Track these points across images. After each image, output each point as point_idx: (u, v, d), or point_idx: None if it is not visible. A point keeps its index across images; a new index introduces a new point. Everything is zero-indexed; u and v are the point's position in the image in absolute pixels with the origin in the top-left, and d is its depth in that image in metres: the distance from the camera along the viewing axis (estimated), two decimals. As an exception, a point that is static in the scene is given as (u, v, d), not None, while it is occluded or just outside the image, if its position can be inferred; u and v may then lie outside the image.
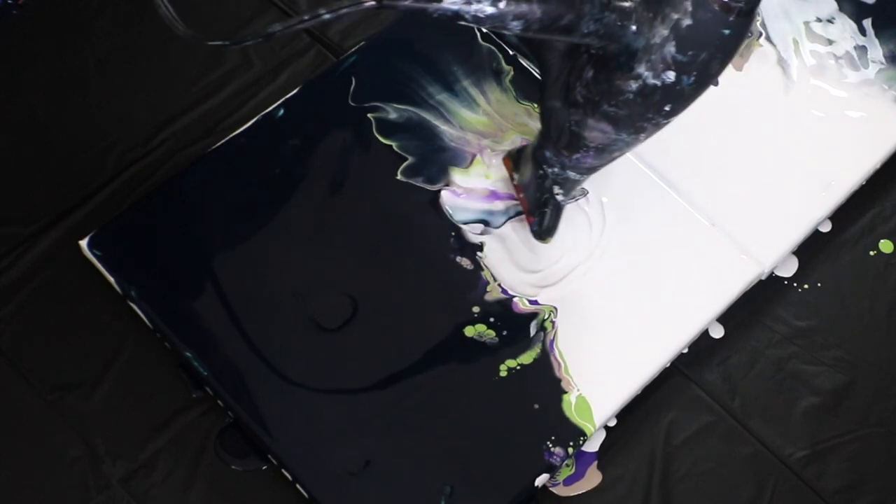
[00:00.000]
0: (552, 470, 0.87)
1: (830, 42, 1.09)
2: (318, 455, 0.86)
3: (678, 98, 0.76)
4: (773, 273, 0.99)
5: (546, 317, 0.92)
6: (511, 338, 0.91)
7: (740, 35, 0.73)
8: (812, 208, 1.00)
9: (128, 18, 1.08)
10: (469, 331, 0.91)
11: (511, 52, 1.05)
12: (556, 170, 0.88)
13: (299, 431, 0.86)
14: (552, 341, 0.91)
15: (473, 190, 0.97)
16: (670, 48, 0.72)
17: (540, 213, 0.93)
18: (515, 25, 0.71)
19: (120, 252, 0.92)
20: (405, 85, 1.02)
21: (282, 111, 1.00)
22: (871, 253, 1.01)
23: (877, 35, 1.10)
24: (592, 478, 0.90)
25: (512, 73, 1.04)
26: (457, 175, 0.98)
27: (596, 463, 0.90)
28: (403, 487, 0.85)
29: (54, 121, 1.02)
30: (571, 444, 0.87)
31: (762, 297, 0.98)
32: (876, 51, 1.09)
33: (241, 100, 1.04)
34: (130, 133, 1.02)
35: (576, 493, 0.89)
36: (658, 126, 0.79)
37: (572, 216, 0.96)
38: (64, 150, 1.00)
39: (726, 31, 0.72)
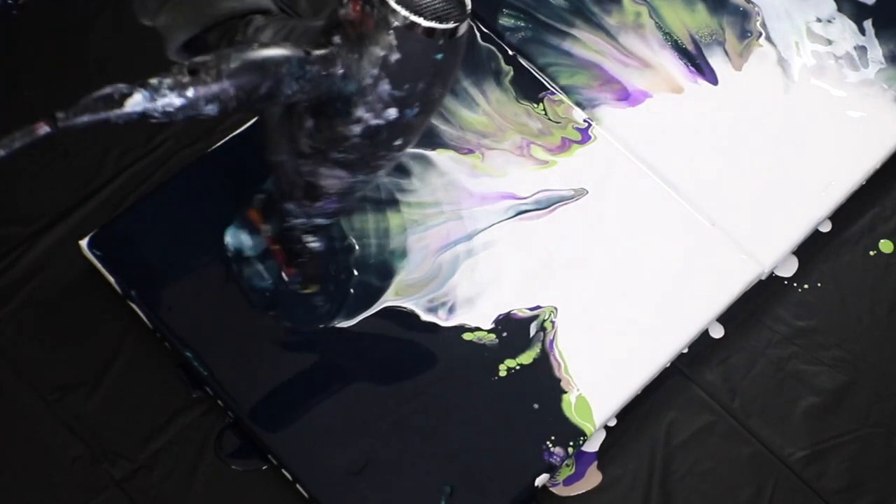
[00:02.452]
0: (552, 470, 0.87)
1: (830, 42, 1.09)
2: (318, 455, 0.85)
3: (407, 130, 0.73)
4: (773, 273, 0.99)
5: (546, 317, 0.92)
6: (511, 339, 0.91)
7: (455, 55, 0.70)
8: (812, 208, 1.00)
9: (128, 18, 1.08)
10: (468, 336, 0.91)
11: (511, 53, 1.05)
12: (302, 220, 0.84)
13: (299, 431, 0.86)
14: (552, 341, 0.91)
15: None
16: (385, 86, 0.68)
17: (298, 264, 0.89)
18: (211, 109, 0.67)
19: (120, 252, 0.92)
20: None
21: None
22: (871, 253, 1.01)
23: (876, 35, 1.10)
24: (592, 478, 0.90)
25: (512, 73, 1.04)
26: (457, 175, 0.98)
27: (596, 463, 0.90)
28: (403, 487, 0.85)
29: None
30: (571, 444, 0.87)
31: (762, 297, 0.98)
32: (876, 51, 1.09)
33: (241, 100, 1.04)
34: (130, 133, 1.02)
35: (576, 493, 0.89)
36: (394, 159, 0.76)
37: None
38: (64, 150, 1.00)
39: (439, 56, 0.69)
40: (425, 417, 0.87)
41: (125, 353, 0.91)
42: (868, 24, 1.11)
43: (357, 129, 0.71)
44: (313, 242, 0.87)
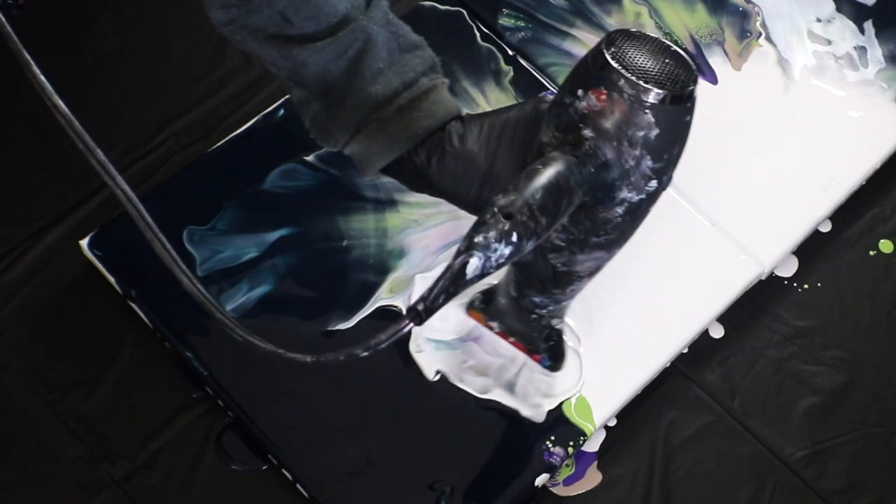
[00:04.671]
0: (552, 470, 0.87)
1: (830, 42, 1.09)
2: (318, 455, 0.85)
3: (659, 195, 0.72)
4: (773, 273, 0.99)
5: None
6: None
7: (694, 110, 0.70)
8: (812, 208, 1.00)
9: (128, 18, 1.08)
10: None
11: (511, 53, 1.05)
12: (550, 308, 0.82)
13: (299, 431, 0.86)
14: (552, 341, 0.91)
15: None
16: (646, 163, 0.68)
17: (546, 348, 0.87)
18: (531, 244, 0.66)
19: (120, 252, 0.92)
20: (405, 85, 1.02)
21: (282, 111, 1.00)
22: (871, 253, 1.01)
23: (876, 35, 1.10)
24: (592, 478, 0.90)
25: (511, 73, 1.04)
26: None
27: (596, 463, 0.90)
28: (403, 487, 0.85)
29: (54, 121, 1.01)
30: (571, 444, 0.87)
31: (762, 297, 0.98)
32: (875, 51, 1.09)
33: (241, 100, 1.04)
34: (130, 133, 1.02)
35: (576, 493, 0.89)
36: (641, 224, 0.75)
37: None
38: (64, 150, 1.00)
39: (688, 118, 0.69)
40: (425, 417, 0.87)
41: (125, 353, 0.91)
42: (868, 24, 1.11)
43: (620, 210, 0.70)
44: (559, 324, 0.85)
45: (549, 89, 1.04)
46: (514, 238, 0.65)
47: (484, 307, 0.87)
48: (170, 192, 0.95)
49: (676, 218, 0.98)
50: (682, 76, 0.68)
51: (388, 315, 0.91)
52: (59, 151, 1.00)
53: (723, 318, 0.96)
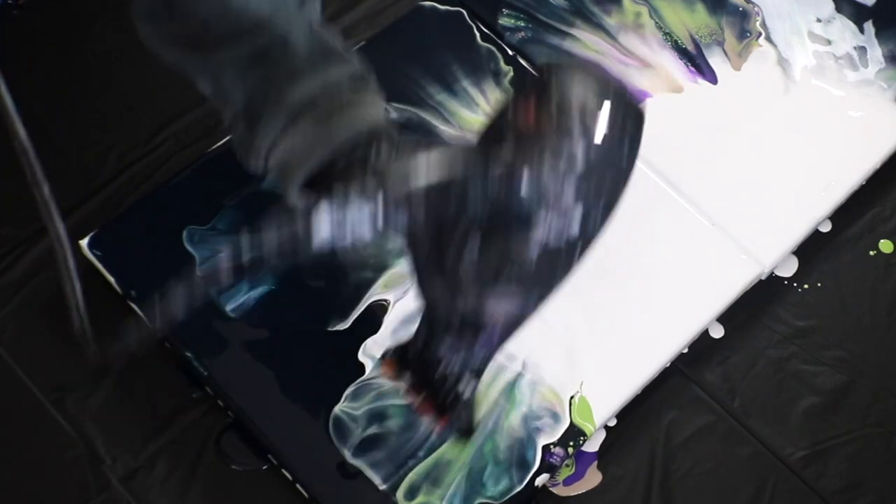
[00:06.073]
0: (552, 470, 0.87)
1: (830, 42, 1.09)
2: (318, 455, 0.85)
3: (590, 239, 0.70)
4: (773, 273, 0.99)
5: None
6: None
7: (637, 146, 0.69)
8: (812, 208, 1.00)
9: (128, 19, 1.08)
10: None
11: (511, 53, 1.05)
12: (459, 364, 0.76)
13: (299, 431, 0.86)
14: (552, 341, 0.91)
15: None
16: (569, 195, 0.66)
17: (453, 412, 0.79)
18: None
19: (120, 252, 0.92)
20: (405, 85, 1.02)
21: (282, 111, 1.00)
22: (871, 253, 1.01)
23: (876, 35, 1.10)
24: (592, 478, 0.90)
25: (511, 73, 1.04)
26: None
27: (596, 463, 0.90)
28: (403, 487, 0.85)
29: (54, 121, 1.02)
30: (571, 444, 0.87)
31: (762, 297, 0.98)
32: (875, 51, 1.09)
33: (241, 100, 1.04)
34: (130, 133, 1.02)
35: (576, 493, 0.89)
36: (570, 274, 0.71)
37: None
38: (64, 151, 1.00)
39: (625, 151, 0.68)
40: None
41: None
42: (868, 24, 1.11)
43: (536, 244, 0.67)
44: (468, 389, 0.77)
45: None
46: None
47: (397, 359, 0.81)
48: (170, 192, 0.95)
49: (676, 218, 0.98)
50: (620, 113, 0.67)
51: (379, 310, 0.91)
52: (59, 151, 1.00)
53: (723, 318, 0.96)
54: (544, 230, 0.67)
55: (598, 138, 0.65)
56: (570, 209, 0.66)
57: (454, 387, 0.77)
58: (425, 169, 0.67)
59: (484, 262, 0.69)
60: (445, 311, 0.73)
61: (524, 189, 0.65)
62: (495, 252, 0.68)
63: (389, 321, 0.91)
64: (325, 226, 0.64)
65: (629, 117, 0.67)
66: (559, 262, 0.70)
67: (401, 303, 0.91)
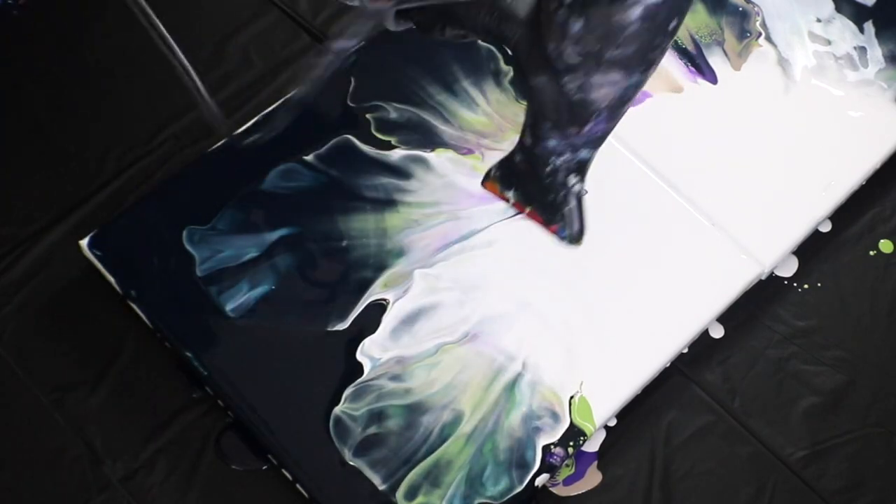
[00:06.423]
0: (552, 470, 0.87)
1: (830, 42, 1.09)
2: (318, 455, 0.85)
3: (681, 7, 0.68)
4: (773, 273, 0.99)
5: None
6: (511, 338, 0.91)
7: None
8: (812, 208, 1.00)
9: (128, 18, 1.08)
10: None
11: (511, 53, 1.05)
12: (566, 156, 0.78)
13: (299, 431, 0.86)
14: (552, 341, 0.91)
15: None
16: None
17: (562, 216, 0.82)
18: None
19: (120, 252, 0.92)
20: (405, 85, 1.02)
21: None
22: (871, 253, 1.01)
23: (876, 35, 1.10)
24: (592, 478, 0.90)
25: (511, 73, 1.04)
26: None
27: (596, 463, 0.90)
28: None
29: (54, 121, 1.02)
30: (571, 444, 0.87)
31: (762, 297, 0.98)
32: (875, 51, 1.09)
33: (241, 100, 1.04)
34: (130, 133, 1.02)
35: (576, 493, 0.89)
36: (664, 51, 0.71)
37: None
38: (64, 150, 1.00)
39: None
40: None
41: (125, 353, 0.91)
42: (868, 24, 1.11)
43: (637, 11, 0.66)
44: (577, 184, 0.80)
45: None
46: None
47: (500, 175, 0.83)
48: (170, 192, 0.95)
49: (676, 218, 0.98)
50: None
51: (379, 309, 0.91)
52: (59, 151, 1.00)
53: (723, 318, 0.96)
54: (638, 4, 0.67)
55: None
56: None
57: (563, 185, 0.79)
58: None
59: (589, 37, 0.69)
60: (552, 101, 0.74)
61: None
62: (598, 24, 0.68)
63: (388, 320, 0.91)
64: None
65: None
66: (657, 32, 0.69)
67: (400, 302, 0.91)
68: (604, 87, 0.71)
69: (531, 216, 0.83)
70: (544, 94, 0.73)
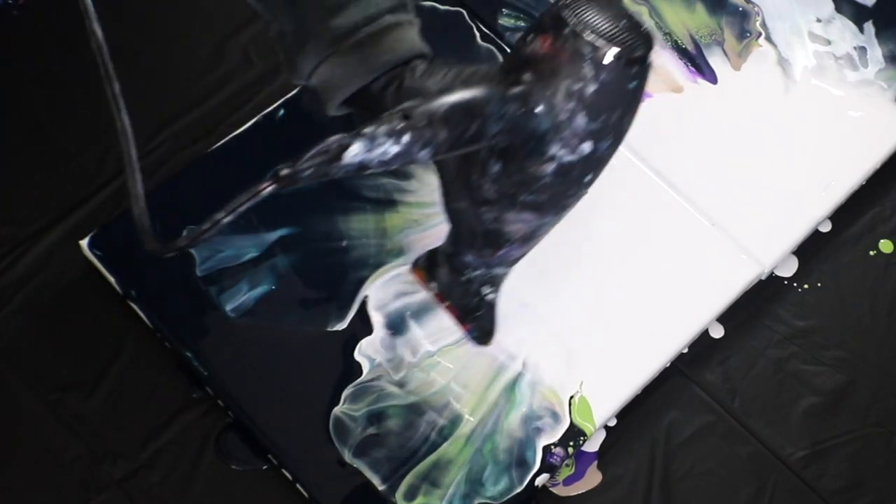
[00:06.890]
0: (552, 470, 0.87)
1: (830, 42, 1.09)
2: (318, 455, 0.86)
3: (597, 165, 0.72)
4: (773, 273, 0.99)
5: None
6: (511, 338, 0.91)
7: (644, 82, 0.69)
8: (812, 208, 1.00)
9: (127, 18, 1.08)
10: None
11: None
12: (481, 272, 0.83)
13: (299, 431, 0.86)
14: (552, 341, 0.91)
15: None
16: (580, 120, 0.67)
17: (474, 318, 0.88)
18: (424, 154, 0.67)
19: (120, 252, 0.92)
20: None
21: (282, 111, 1.00)
22: (871, 253, 1.01)
23: (876, 35, 1.10)
24: (592, 478, 0.90)
25: (512, 73, 1.04)
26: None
27: (596, 463, 0.90)
28: (403, 487, 0.85)
29: (54, 121, 1.02)
30: (571, 444, 0.87)
31: (762, 297, 0.98)
32: (875, 51, 1.09)
33: (241, 100, 1.04)
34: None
35: (576, 493, 0.89)
36: (580, 197, 0.74)
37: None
38: (64, 151, 1.00)
39: (632, 85, 0.68)
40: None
41: (125, 353, 0.91)
42: (868, 24, 1.11)
43: (550, 167, 0.70)
44: (490, 294, 0.85)
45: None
46: (405, 139, 0.66)
47: (426, 266, 0.88)
48: (170, 192, 0.95)
49: (676, 218, 0.98)
50: (631, 40, 0.67)
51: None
52: (59, 151, 1.00)
53: (723, 318, 0.96)
54: (558, 148, 0.69)
55: (609, 59, 0.66)
56: (580, 132, 0.68)
57: (476, 294, 0.85)
58: (452, 86, 0.70)
59: (505, 180, 0.72)
60: (469, 225, 0.78)
61: (539, 107, 0.68)
62: (515, 171, 0.71)
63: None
64: (357, 145, 0.66)
65: (640, 42, 0.67)
66: (569, 183, 0.72)
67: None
68: (516, 223, 0.75)
69: (449, 310, 0.89)
70: (463, 217, 0.78)
